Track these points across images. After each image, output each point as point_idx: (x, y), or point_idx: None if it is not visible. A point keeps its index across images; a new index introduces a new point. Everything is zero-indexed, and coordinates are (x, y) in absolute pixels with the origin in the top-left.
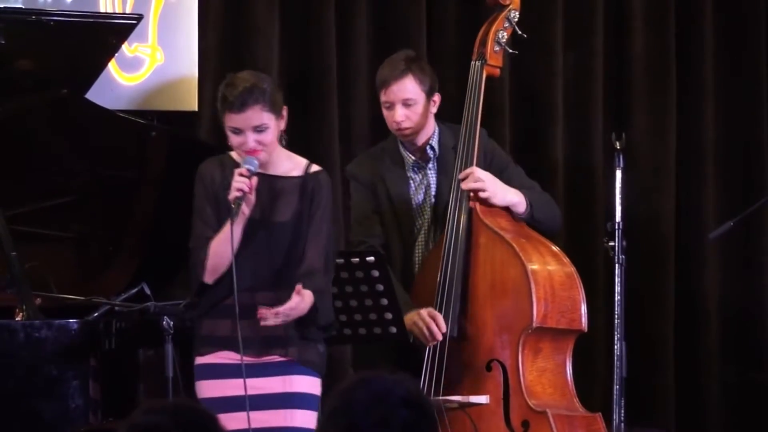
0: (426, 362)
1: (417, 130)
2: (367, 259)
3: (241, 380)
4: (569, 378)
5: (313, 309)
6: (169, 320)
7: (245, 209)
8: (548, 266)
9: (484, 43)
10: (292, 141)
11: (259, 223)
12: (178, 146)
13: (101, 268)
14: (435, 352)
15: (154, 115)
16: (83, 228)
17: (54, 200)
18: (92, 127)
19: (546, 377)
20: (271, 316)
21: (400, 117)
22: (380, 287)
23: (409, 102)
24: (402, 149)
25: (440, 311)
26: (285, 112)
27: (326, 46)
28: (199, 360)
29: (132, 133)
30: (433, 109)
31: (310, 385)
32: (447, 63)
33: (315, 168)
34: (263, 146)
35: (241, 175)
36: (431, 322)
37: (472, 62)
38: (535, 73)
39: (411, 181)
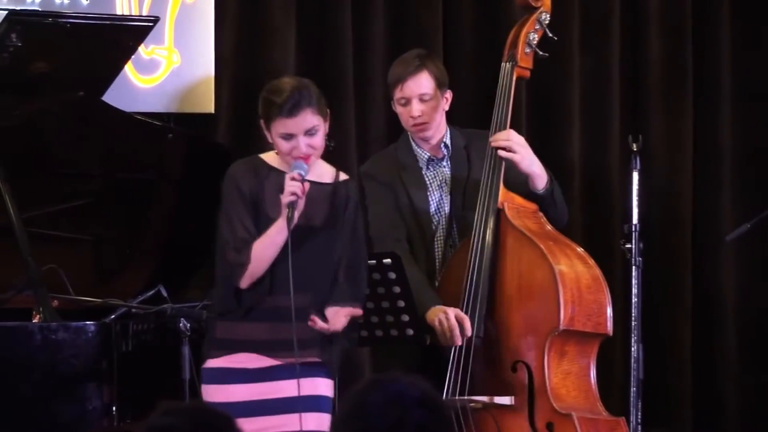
0: (451, 363)
1: (432, 126)
2: (384, 261)
3: (250, 385)
4: (593, 382)
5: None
6: (185, 322)
7: (295, 215)
8: (575, 268)
9: (514, 45)
10: None
11: (295, 228)
12: (194, 148)
13: (118, 271)
14: (460, 352)
15: (170, 117)
16: (100, 230)
17: (71, 202)
18: (109, 130)
19: (571, 380)
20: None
21: (417, 112)
22: (397, 289)
23: (425, 97)
24: (415, 146)
25: (466, 312)
26: (328, 115)
27: (342, 49)
28: (211, 363)
29: (149, 136)
30: (446, 106)
31: (325, 387)
32: (464, 65)
33: (344, 176)
34: (314, 150)
35: (293, 179)
36: (456, 325)
37: (503, 64)
38: (551, 76)
39: (427, 179)
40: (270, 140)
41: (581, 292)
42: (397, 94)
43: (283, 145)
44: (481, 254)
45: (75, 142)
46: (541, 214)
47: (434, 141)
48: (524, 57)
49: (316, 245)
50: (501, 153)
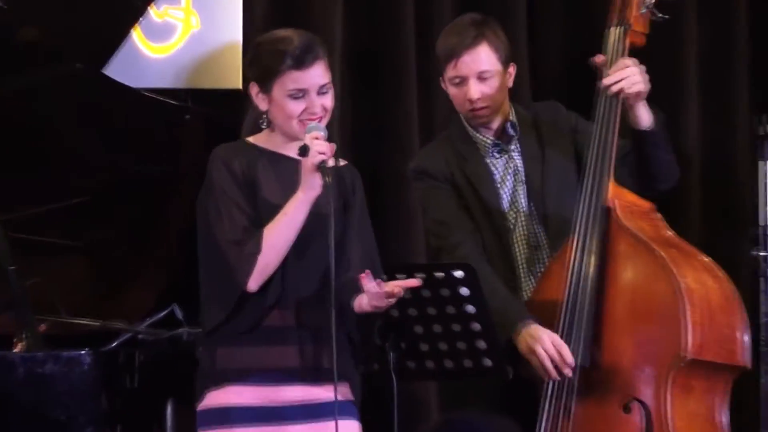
0: (545, 401)
1: (495, 109)
2: (455, 273)
3: (261, 429)
4: (725, 426)
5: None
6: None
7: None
8: (704, 283)
9: (626, 5)
10: (362, 135)
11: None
12: (218, 133)
13: (122, 286)
14: (558, 388)
15: (188, 94)
16: (101, 235)
17: (65, 201)
18: (113, 110)
19: (698, 424)
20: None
21: (476, 93)
22: (471, 308)
23: (485, 75)
24: (473, 132)
25: (565, 336)
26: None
27: (402, 23)
28: (208, 402)
29: (161, 117)
30: (509, 83)
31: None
32: (551, 36)
33: (342, 161)
34: (326, 113)
35: (317, 138)
36: (554, 353)
37: (611, 29)
38: (662, 44)
39: (493, 168)
40: (265, 106)
41: (712, 312)
42: (450, 71)
43: (292, 105)
44: (584, 264)
45: (71, 125)
46: (658, 215)
47: (496, 123)
48: (639, 19)
49: (328, 239)
50: (626, 89)
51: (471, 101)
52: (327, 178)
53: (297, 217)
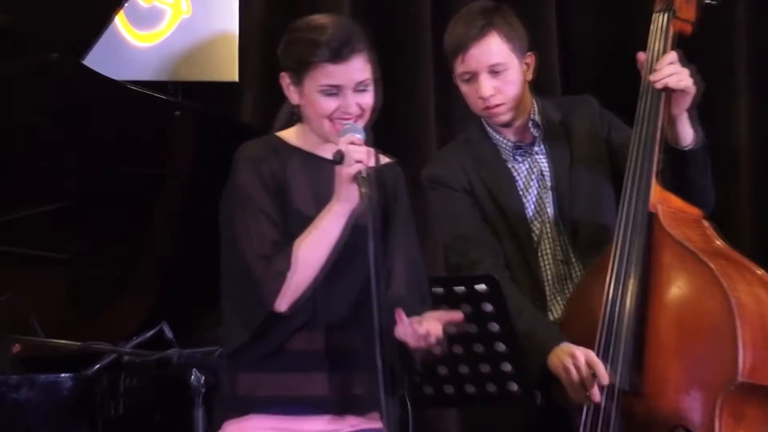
0: (582, 428)
1: (512, 106)
2: (477, 287)
3: None
4: None
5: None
6: (199, 374)
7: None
8: (759, 298)
9: None
10: (373, 133)
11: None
12: (212, 131)
13: (106, 302)
14: (595, 414)
15: (178, 87)
16: (82, 246)
17: (42, 207)
18: (93, 105)
19: None
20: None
21: (488, 90)
22: (495, 327)
23: (497, 68)
24: (493, 133)
25: (603, 356)
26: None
27: (419, 4)
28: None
29: (148, 113)
30: (529, 75)
31: None
32: (584, 27)
33: (385, 158)
34: (363, 113)
35: (353, 143)
36: (587, 374)
37: (655, 14)
38: (706, 27)
39: (516, 173)
40: (297, 100)
41: (767, 331)
42: (459, 67)
43: (325, 103)
44: (624, 276)
45: (47, 122)
46: (708, 223)
47: (518, 122)
48: (685, 6)
49: (367, 253)
50: (673, 83)
51: (483, 99)
52: (366, 190)
53: (331, 232)
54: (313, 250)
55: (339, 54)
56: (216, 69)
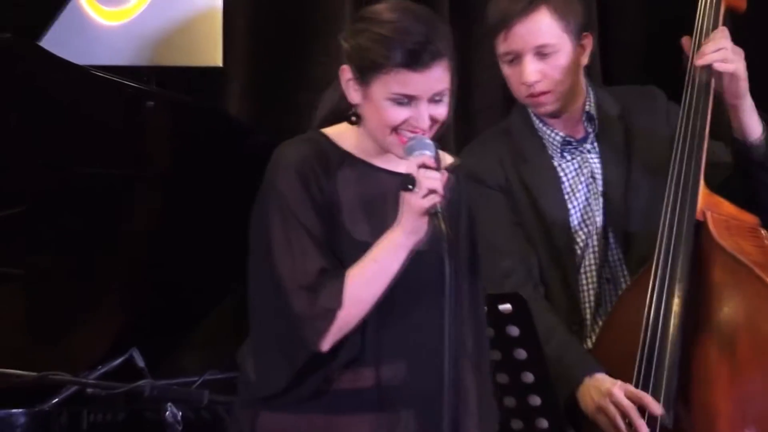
0: None
1: (561, 95)
2: (501, 307)
3: None
4: None
5: None
6: (175, 410)
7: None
8: None
9: None
10: None
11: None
12: (192, 124)
13: (66, 325)
14: None
15: (152, 73)
16: (38, 259)
17: None
18: (52, 93)
19: None
20: None
21: (533, 75)
22: (522, 354)
23: (544, 50)
24: (540, 124)
25: (643, 388)
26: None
27: None
28: None
29: (117, 103)
30: (584, 59)
31: None
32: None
33: (448, 156)
34: (437, 125)
35: (426, 166)
36: (632, 408)
37: None
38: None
39: (562, 173)
40: (357, 100)
41: None
42: (501, 46)
43: (393, 113)
44: (668, 296)
45: None
46: (765, 232)
47: (568, 114)
48: None
49: (426, 285)
50: (718, 65)
51: (527, 85)
52: (441, 224)
53: (391, 267)
54: (368, 286)
55: (418, 60)
56: (196, 52)
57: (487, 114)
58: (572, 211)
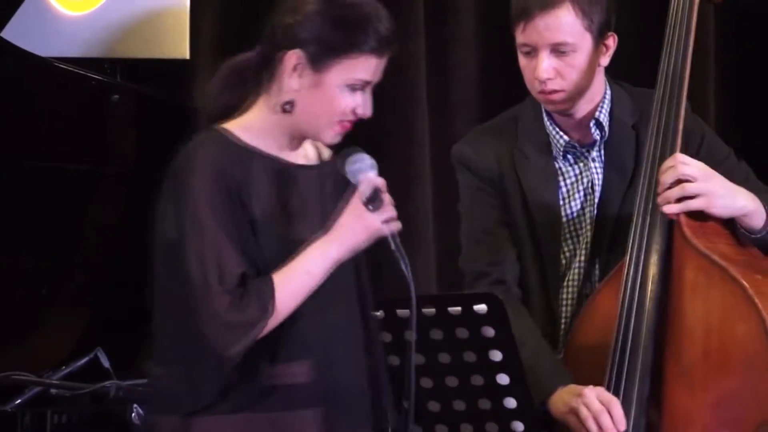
0: None
1: (573, 95)
2: (476, 308)
3: None
4: None
5: None
6: (140, 411)
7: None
8: None
9: None
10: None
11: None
12: (156, 118)
13: (29, 325)
14: None
15: (116, 66)
16: None
17: None
18: (13, 86)
19: None
20: None
21: (546, 71)
22: (497, 356)
23: (562, 47)
24: (548, 122)
25: (614, 391)
26: None
27: None
28: None
29: (80, 97)
30: (604, 61)
31: None
32: None
33: (326, 150)
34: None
35: (381, 191)
36: (602, 411)
37: None
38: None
39: (561, 177)
40: (297, 86)
41: None
42: (519, 36)
43: (347, 100)
44: (640, 297)
45: None
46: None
47: (579, 116)
48: None
49: (343, 279)
50: (673, 208)
51: (539, 79)
52: (397, 247)
53: (321, 278)
54: (296, 297)
55: (386, 45)
56: (162, 44)
57: (466, 108)
58: (564, 219)
